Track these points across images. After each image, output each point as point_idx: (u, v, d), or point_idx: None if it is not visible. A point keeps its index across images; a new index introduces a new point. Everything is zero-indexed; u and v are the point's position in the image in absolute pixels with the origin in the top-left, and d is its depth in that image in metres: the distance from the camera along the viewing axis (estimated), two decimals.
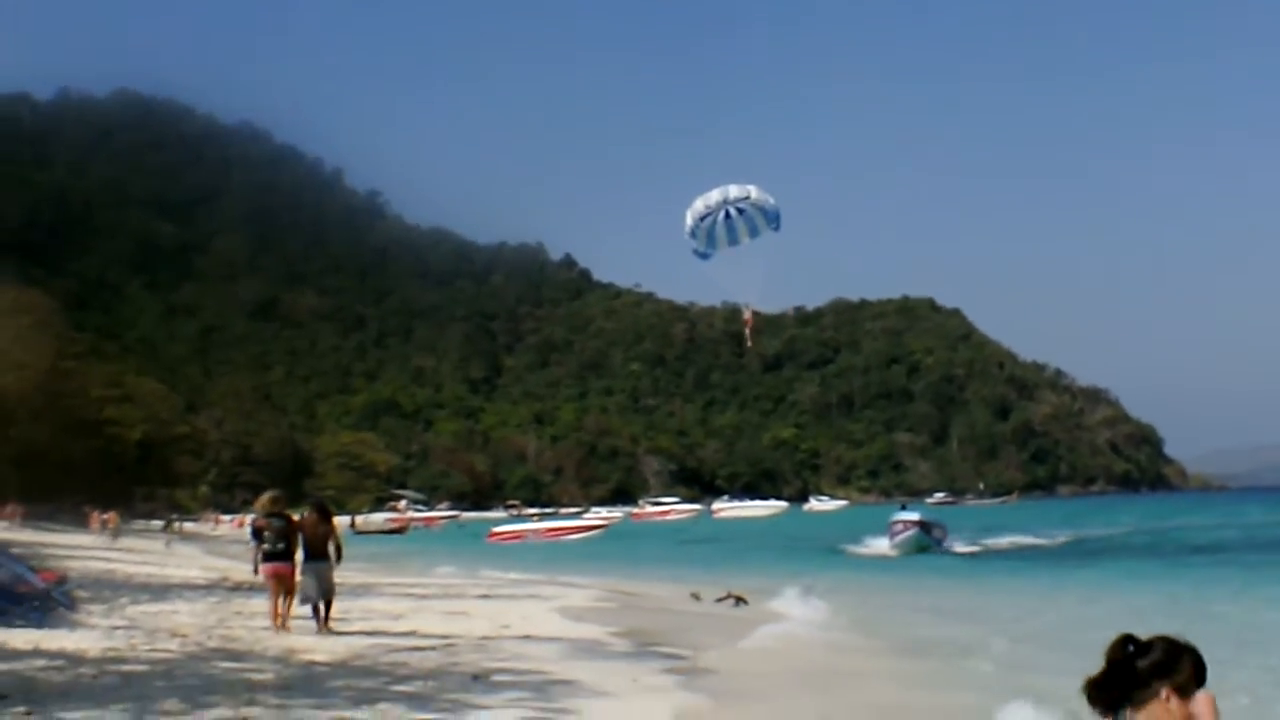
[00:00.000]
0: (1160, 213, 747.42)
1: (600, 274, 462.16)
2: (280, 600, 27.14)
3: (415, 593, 42.14)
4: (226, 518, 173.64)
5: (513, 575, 56.56)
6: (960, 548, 74.76)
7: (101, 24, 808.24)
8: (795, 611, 36.92)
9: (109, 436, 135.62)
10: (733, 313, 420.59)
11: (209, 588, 42.05)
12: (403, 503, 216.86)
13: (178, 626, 27.28)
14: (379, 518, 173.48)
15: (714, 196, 36.72)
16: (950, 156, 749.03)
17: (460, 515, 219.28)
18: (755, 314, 41.81)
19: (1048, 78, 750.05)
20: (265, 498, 28.65)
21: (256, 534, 27.38)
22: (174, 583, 44.04)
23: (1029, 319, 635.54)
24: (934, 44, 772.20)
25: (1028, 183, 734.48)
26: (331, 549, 27.10)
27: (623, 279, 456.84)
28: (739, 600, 39.96)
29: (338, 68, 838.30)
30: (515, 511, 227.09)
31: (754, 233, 36.96)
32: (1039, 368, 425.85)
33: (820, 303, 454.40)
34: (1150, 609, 34.05)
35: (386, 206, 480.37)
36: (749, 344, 48.11)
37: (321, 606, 27.17)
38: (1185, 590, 41.42)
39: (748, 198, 36.58)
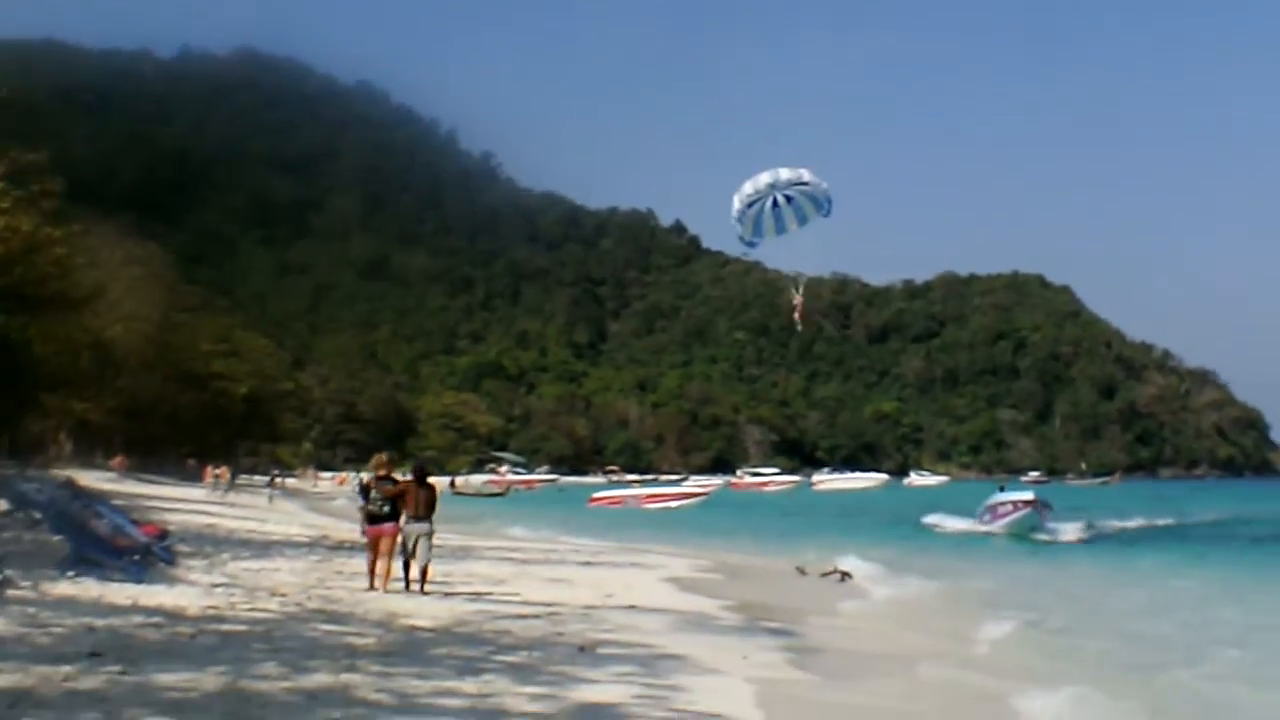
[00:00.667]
0: (1274, 194, 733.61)
1: (710, 241, 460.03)
2: (381, 562, 27.12)
3: (516, 557, 41.82)
4: (327, 475, 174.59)
5: (602, 542, 56.14)
6: (1069, 531, 70.98)
7: None
8: (900, 590, 36.11)
9: (216, 390, 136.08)
10: (841, 284, 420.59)
11: (310, 545, 41.93)
12: (504, 466, 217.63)
13: (278, 585, 27.01)
14: (479, 479, 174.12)
15: (763, 180, 35.47)
16: (1064, 135, 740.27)
17: (559, 479, 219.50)
18: (806, 297, 40.39)
19: (1167, 73, 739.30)
20: (380, 458, 29.34)
21: (364, 493, 27.76)
22: (275, 539, 43.94)
23: (1138, 298, 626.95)
24: (1050, 28, 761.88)
25: (1140, 163, 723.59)
26: (429, 511, 27.18)
27: (732, 247, 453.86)
28: (844, 575, 39.23)
29: (455, 31, 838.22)
30: (615, 477, 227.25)
31: (802, 220, 35.80)
32: (1147, 348, 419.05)
33: (928, 276, 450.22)
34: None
35: (499, 169, 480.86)
36: (799, 328, 46.38)
37: (415, 568, 27.16)
38: None
39: (799, 182, 35.30)
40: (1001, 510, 70.57)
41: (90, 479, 68.92)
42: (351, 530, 40.13)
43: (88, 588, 22.64)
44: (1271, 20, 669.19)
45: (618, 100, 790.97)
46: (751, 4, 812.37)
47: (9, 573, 22.81)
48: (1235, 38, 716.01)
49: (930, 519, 78.32)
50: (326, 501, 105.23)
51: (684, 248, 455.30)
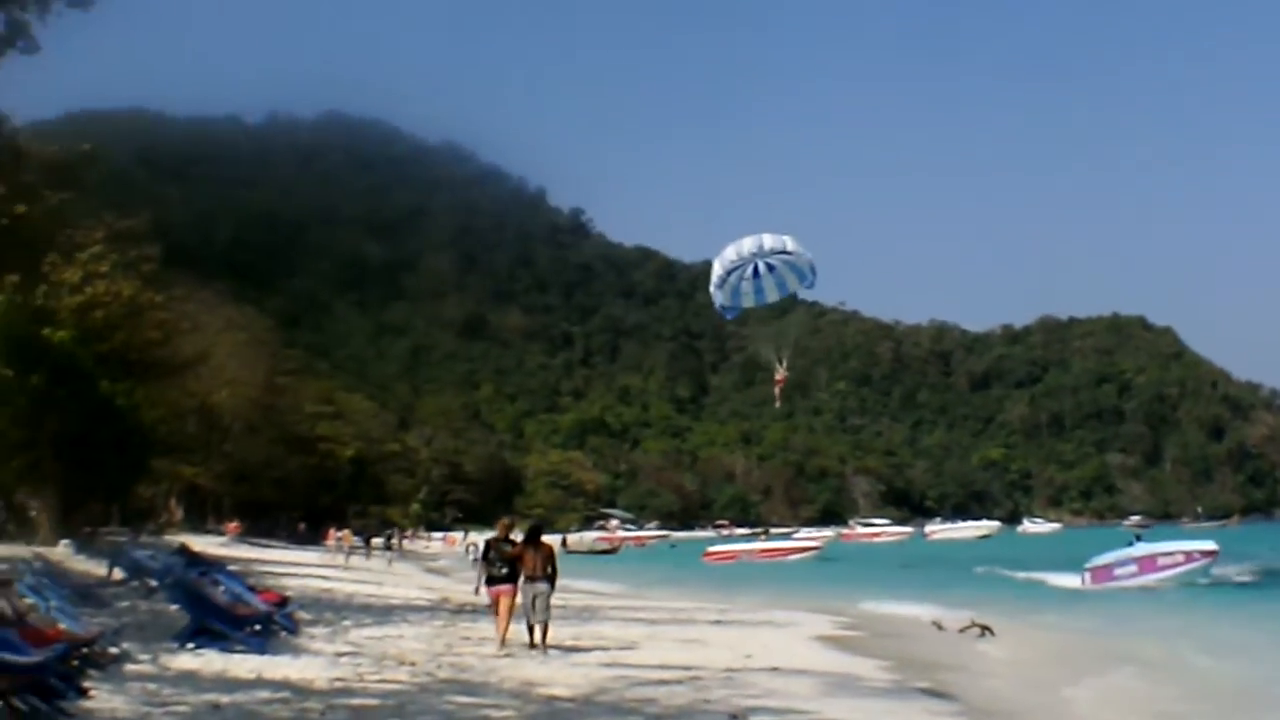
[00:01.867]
0: None
1: (805, 293, 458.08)
2: (500, 621, 27.72)
3: (644, 617, 40.69)
4: (437, 535, 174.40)
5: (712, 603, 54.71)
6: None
7: (308, 48, 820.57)
8: (1049, 642, 34.59)
9: (322, 453, 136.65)
10: (939, 331, 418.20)
11: (432, 609, 40.99)
12: (614, 522, 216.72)
13: (405, 653, 26.00)
14: (590, 536, 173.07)
15: (746, 246, 34.17)
16: (1160, 173, 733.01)
17: (670, 535, 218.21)
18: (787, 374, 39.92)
19: (1270, 104, 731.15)
20: (503, 521, 30.11)
21: (486, 553, 28.48)
22: (395, 604, 43.08)
23: (1243, 337, 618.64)
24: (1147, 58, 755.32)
25: (1239, 197, 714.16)
26: (547, 570, 27.66)
27: (827, 297, 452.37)
28: (984, 630, 37.58)
29: (538, 89, 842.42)
30: (725, 531, 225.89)
31: (783, 290, 34.84)
32: (1253, 387, 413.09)
33: (1028, 320, 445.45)
34: None
35: (590, 225, 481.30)
36: (778, 403, 45.43)
37: (537, 627, 27.49)
38: None
39: (782, 250, 34.02)
40: (1166, 561, 66.46)
41: (202, 544, 68.61)
42: (469, 591, 39.28)
43: (210, 660, 21.86)
44: None
45: (707, 152, 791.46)
46: (845, 54, 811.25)
47: (126, 646, 21.95)
48: None
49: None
50: (436, 562, 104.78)
51: (780, 300, 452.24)
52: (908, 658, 29.72)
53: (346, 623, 32.82)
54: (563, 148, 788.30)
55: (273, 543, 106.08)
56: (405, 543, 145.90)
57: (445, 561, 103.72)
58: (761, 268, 34.18)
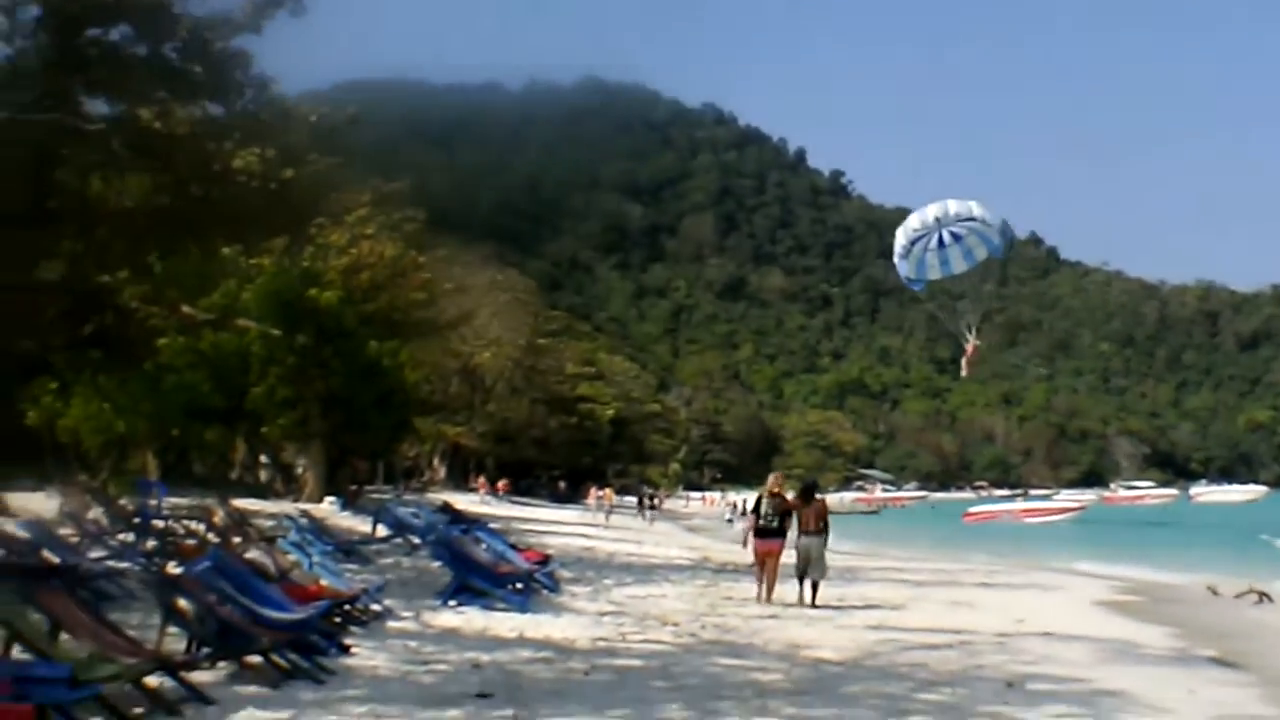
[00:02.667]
0: None
1: (1068, 252, 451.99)
2: (767, 577, 28.14)
3: (908, 579, 39.88)
4: (695, 495, 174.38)
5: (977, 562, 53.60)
6: None
7: (565, 13, 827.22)
8: None
9: (583, 413, 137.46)
10: (1206, 291, 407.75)
11: (693, 568, 40.72)
12: (874, 484, 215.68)
13: (668, 613, 25.64)
14: (849, 497, 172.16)
15: (930, 213, 32.54)
16: None
17: (929, 496, 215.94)
18: (976, 347, 36.85)
19: None
20: (776, 476, 30.27)
21: (757, 506, 28.40)
22: (656, 563, 42.88)
23: None
24: None
25: None
26: (820, 525, 27.85)
27: (1090, 257, 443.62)
28: (1263, 596, 36.04)
29: (797, 51, 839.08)
30: (984, 493, 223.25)
31: (970, 259, 32.64)
32: None
33: None
34: None
35: (850, 187, 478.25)
36: (965, 373, 42.98)
37: (808, 584, 27.65)
38: None
39: (968, 217, 32.10)
40: None
41: (464, 502, 69.38)
42: (730, 551, 38.84)
43: (471, 619, 21.88)
44: None
45: (965, 108, 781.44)
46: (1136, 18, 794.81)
47: (389, 603, 21.98)
48: None
49: None
50: (693, 522, 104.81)
51: (1041, 259, 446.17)
52: (1188, 624, 28.55)
53: (608, 582, 32.65)
54: (823, 109, 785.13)
55: (533, 501, 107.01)
56: (663, 502, 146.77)
57: (700, 521, 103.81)
58: (946, 237, 32.48)
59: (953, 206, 32.53)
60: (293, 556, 22.99)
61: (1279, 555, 62.10)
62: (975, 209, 32.42)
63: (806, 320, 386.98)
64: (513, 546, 29.60)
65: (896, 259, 33.81)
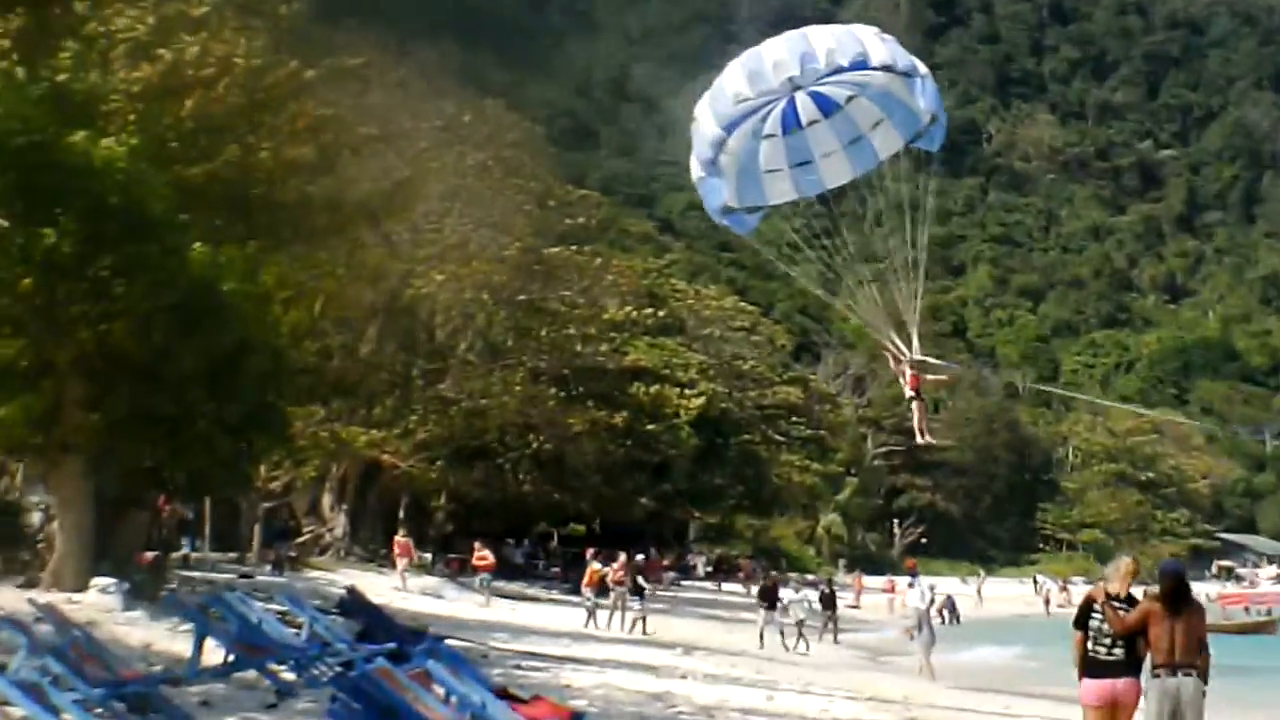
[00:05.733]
0: None
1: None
2: None
3: None
4: (872, 580, 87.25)
5: None
6: None
7: None
8: None
9: (637, 404, 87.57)
10: None
11: None
12: (1262, 564, 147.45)
13: None
14: (1209, 592, 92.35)
15: (768, 66, 15.55)
16: None
17: None
18: (922, 369, 19.38)
19: None
20: (1125, 562, 15.28)
21: (1082, 616, 14.65)
22: None
23: None
24: None
25: None
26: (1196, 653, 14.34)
27: None
28: None
29: None
30: None
31: (866, 161, 16.41)
32: None
33: None
34: None
35: None
36: (921, 438, 22.81)
37: None
38: None
39: (859, 63, 15.07)
40: None
41: (383, 587, 44.46)
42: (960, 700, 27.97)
43: None
44: None
45: None
46: None
47: None
48: None
49: None
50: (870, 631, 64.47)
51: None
52: None
53: None
54: None
55: (532, 590, 65.04)
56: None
57: (891, 633, 58.71)
58: (804, 107, 15.75)
59: (820, 46, 15.53)
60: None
61: None
62: (873, 49, 15.50)
63: (1109, 218, 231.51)
64: (502, 694, 14.73)
65: (700, 172, 16.99)
